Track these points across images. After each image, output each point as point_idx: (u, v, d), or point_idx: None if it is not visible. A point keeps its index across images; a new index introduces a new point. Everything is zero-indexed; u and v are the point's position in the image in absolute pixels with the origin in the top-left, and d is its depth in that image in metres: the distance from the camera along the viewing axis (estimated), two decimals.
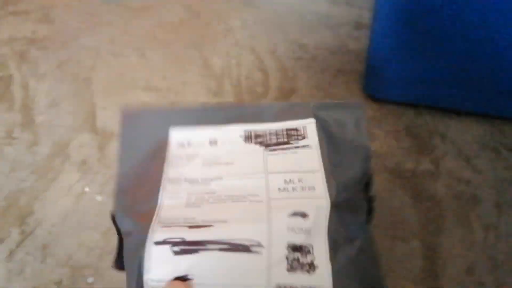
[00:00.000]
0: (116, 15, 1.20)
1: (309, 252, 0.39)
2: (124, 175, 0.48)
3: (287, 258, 0.39)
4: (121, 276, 0.75)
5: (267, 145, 0.49)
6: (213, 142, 0.49)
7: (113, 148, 0.91)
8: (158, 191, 0.45)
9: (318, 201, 0.42)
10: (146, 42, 1.14)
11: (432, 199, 0.83)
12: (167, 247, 0.39)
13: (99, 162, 0.89)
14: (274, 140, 0.50)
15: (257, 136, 0.50)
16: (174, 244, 0.39)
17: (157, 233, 0.40)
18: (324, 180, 0.44)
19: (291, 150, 0.48)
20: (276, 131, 0.50)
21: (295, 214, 0.41)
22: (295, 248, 0.39)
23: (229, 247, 0.39)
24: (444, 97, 0.93)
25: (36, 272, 0.76)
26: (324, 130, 0.49)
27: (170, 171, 0.47)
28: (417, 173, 0.87)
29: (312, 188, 0.44)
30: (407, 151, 0.90)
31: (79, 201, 0.84)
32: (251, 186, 0.45)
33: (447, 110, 0.95)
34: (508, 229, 0.79)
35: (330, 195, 0.43)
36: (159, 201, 0.44)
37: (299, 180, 0.45)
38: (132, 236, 0.43)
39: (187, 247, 0.39)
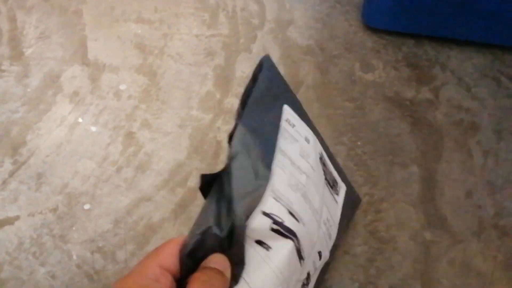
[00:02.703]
0: None
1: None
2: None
3: None
4: (118, 203, 0.74)
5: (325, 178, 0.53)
6: (307, 140, 0.50)
7: (106, 79, 0.88)
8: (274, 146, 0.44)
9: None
10: None
11: (431, 126, 0.82)
12: (269, 221, 0.40)
13: (92, 93, 0.86)
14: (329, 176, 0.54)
15: (324, 164, 0.53)
16: (275, 222, 0.41)
17: (267, 203, 0.41)
18: None
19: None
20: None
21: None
22: None
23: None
24: (445, 26, 0.90)
25: (31, 200, 0.75)
26: None
27: (281, 141, 0.46)
28: (416, 102, 0.85)
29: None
30: (407, 81, 0.88)
31: (73, 131, 0.82)
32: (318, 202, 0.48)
33: (447, 40, 0.92)
34: (507, 155, 0.79)
35: None
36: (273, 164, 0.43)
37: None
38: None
39: (283, 231, 0.41)
